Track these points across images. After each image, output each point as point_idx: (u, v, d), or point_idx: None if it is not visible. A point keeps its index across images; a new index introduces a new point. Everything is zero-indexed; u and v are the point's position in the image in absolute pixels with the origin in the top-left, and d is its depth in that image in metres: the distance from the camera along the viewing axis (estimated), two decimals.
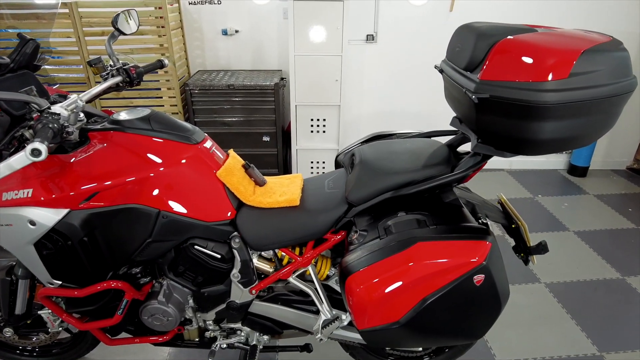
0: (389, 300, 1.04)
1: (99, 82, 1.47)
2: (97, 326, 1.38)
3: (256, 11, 3.16)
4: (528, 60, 0.99)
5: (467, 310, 1.09)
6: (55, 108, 1.18)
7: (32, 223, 1.18)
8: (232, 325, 1.52)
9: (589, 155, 3.42)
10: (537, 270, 2.37)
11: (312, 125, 3.09)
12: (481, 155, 1.21)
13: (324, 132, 3.12)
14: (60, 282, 1.31)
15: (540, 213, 2.94)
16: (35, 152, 0.95)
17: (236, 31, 3.22)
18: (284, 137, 3.16)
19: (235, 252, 1.36)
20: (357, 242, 1.18)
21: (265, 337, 1.54)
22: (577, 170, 3.48)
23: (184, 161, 1.28)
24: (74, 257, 1.24)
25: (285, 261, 1.39)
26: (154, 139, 1.28)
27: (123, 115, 1.31)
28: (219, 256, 1.37)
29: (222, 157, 1.39)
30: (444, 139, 1.45)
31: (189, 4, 3.14)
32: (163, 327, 1.43)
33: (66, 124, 1.10)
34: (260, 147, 3.11)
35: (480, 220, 1.30)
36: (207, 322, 1.52)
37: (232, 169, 1.35)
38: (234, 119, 3.01)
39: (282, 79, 3.08)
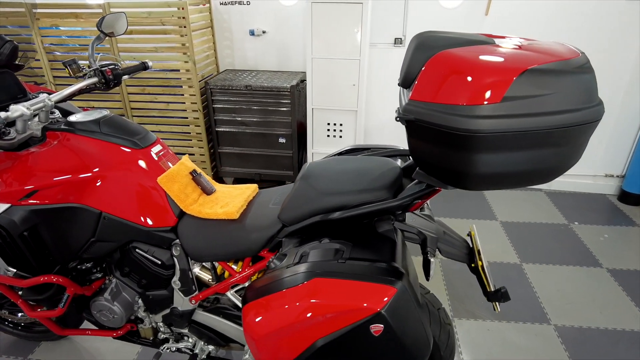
0: (279, 337, 0.95)
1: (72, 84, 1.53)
2: (43, 316, 1.44)
3: (283, 12, 3.14)
4: (457, 79, 0.83)
5: None
6: (17, 107, 1.24)
7: None
8: (180, 331, 1.51)
9: None
10: (550, 309, 2.11)
11: (328, 130, 3.01)
12: (425, 184, 1.07)
13: (340, 137, 3.03)
14: (14, 270, 1.38)
15: (571, 243, 2.62)
16: None
17: (263, 32, 3.22)
18: (300, 139, 3.11)
19: (175, 259, 1.35)
20: (273, 266, 1.11)
21: (210, 347, 1.51)
22: (630, 198, 3.05)
23: (125, 165, 1.29)
24: (18, 249, 1.29)
25: (227, 274, 1.35)
26: (99, 141, 1.29)
27: (78, 117, 1.35)
28: (159, 262, 1.37)
29: (170, 163, 1.38)
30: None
31: (220, 4, 3.19)
32: (110, 323, 1.46)
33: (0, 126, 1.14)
34: (275, 149, 3.10)
35: (427, 256, 1.15)
36: (159, 324, 1.52)
37: (175, 175, 1.33)
38: (251, 119, 3.02)
39: (302, 81, 3.04)
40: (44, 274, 1.36)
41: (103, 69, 1.57)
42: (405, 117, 0.91)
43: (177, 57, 2.85)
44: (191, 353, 1.50)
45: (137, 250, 1.36)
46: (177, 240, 1.33)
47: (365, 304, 0.88)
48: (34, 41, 2.89)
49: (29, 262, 1.33)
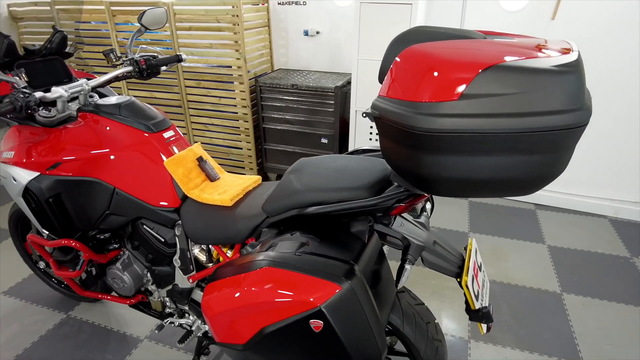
0: (231, 318, 0.96)
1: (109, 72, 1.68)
2: (64, 275, 1.60)
3: (337, 13, 3.16)
4: (418, 75, 0.78)
5: (307, 358, 0.94)
6: (57, 89, 1.40)
7: (14, 179, 1.43)
8: (182, 307, 1.59)
9: None
10: (584, 346, 1.89)
11: (370, 133, 2.97)
12: (403, 187, 1.03)
13: None
14: (47, 232, 1.55)
15: (629, 279, 2.32)
16: None
17: (317, 32, 3.27)
18: (342, 141, 3.11)
19: (177, 239, 1.42)
20: (245, 252, 1.12)
21: (206, 326, 1.57)
22: None
23: (136, 146, 1.39)
24: (45, 214, 1.45)
25: (222, 259, 1.40)
26: (117, 123, 1.41)
27: (104, 100, 1.48)
28: (162, 240, 1.45)
29: (178, 149, 1.46)
30: None
31: (278, 4, 3.30)
32: (122, 290, 1.59)
33: (32, 104, 1.29)
34: (317, 148, 3.12)
35: (404, 263, 1.10)
36: (165, 299, 1.62)
37: (181, 160, 1.40)
38: (297, 118, 3.08)
39: (348, 82, 3.03)
40: (66, 239, 1.51)
41: (139, 59, 1.71)
42: (372, 113, 0.88)
43: (230, 54, 2.99)
44: (189, 329, 1.57)
45: (144, 226, 1.46)
46: (180, 221, 1.41)
47: (306, 298, 0.87)
48: (110, 36, 3.21)
49: (55, 226, 1.49)
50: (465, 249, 1.23)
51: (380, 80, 0.96)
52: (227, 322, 0.98)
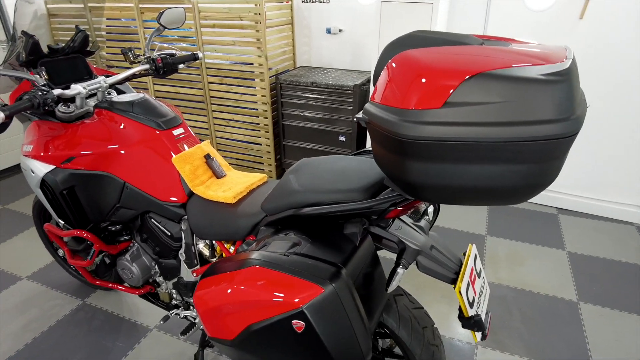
0: (220, 314, 0.99)
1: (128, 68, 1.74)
2: (77, 264, 1.68)
3: (360, 11, 3.14)
4: (405, 81, 0.79)
5: (291, 357, 0.95)
6: (76, 86, 1.48)
7: (32, 171, 1.51)
8: (187, 300, 1.64)
9: None
10: (598, 357, 1.83)
11: None
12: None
13: None
14: (63, 222, 1.64)
15: None
16: None
17: (340, 30, 3.27)
18: (360, 139, 3.10)
19: (182, 233, 1.47)
20: (240, 250, 1.15)
21: None
22: None
23: (146, 142, 1.44)
24: (59, 205, 1.53)
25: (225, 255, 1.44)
26: (128, 119, 1.47)
27: (118, 98, 1.54)
28: (169, 233, 1.51)
29: (188, 146, 1.50)
30: None
31: (302, 2, 3.31)
32: (130, 281, 1.66)
33: (49, 101, 1.35)
34: (335, 146, 3.13)
35: (398, 266, 1.10)
36: (172, 290, 1.68)
37: (188, 157, 1.45)
38: (316, 116, 3.09)
39: (368, 81, 3.02)
40: (78, 229, 1.59)
41: (155, 57, 1.76)
42: (363, 118, 0.89)
43: (252, 52, 3.03)
44: (192, 321, 1.63)
45: (152, 220, 1.52)
46: (186, 216, 1.45)
47: (290, 299, 0.88)
48: (139, 32, 3.32)
49: (69, 217, 1.57)
50: (465, 254, 1.22)
51: (374, 83, 0.96)
52: (217, 318, 1.01)
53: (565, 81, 0.71)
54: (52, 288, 2.25)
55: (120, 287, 1.77)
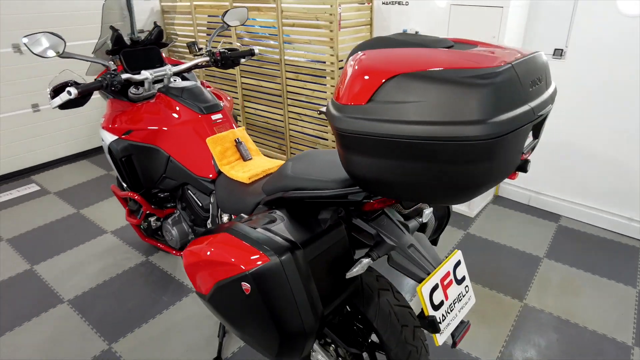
0: (196, 270, 1.15)
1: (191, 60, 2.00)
2: (130, 221, 1.99)
3: (437, 14, 3.08)
4: (344, 78, 0.88)
5: (243, 316, 1.06)
6: (144, 72, 1.77)
7: (102, 139, 1.84)
8: None
9: None
10: None
11: None
12: None
13: None
14: (125, 185, 1.95)
15: None
16: (69, 92, 1.52)
17: (416, 32, 3.24)
18: None
19: (210, 206, 1.67)
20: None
21: None
22: None
23: (188, 124, 1.66)
24: (121, 170, 1.84)
25: None
26: (178, 103, 1.70)
27: (175, 84, 1.79)
28: (200, 205, 1.72)
29: (222, 130, 1.69)
30: None
31: (383, 3, 3.35)
32: (171, 242, 1.92)
33: (116, 82, 1.64)
34: None
35: (364, 256, 1.15)
36: None
37: (221, 139, 1.63)
38: None
39: None
40: (132, 192, 1.89)
41: (215, 51, 1.99)
42: (321, 112, 0.98)
43: (325, 50, 3.17)
44: None
45: (189, 191, 1.75)
46: (214, 191, 1.65)
47: (241, 262, 1.01)
48: (231, 28, 3.67)
49: (126, 181, 1.88)
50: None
51: None
52: (196, 274, 1.17)
53: (486, 85, 0.71)
54: (126, 243, 2.66)
55: (163, 247, 2.05)
